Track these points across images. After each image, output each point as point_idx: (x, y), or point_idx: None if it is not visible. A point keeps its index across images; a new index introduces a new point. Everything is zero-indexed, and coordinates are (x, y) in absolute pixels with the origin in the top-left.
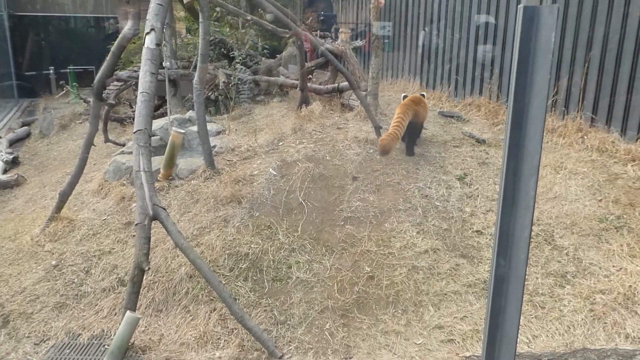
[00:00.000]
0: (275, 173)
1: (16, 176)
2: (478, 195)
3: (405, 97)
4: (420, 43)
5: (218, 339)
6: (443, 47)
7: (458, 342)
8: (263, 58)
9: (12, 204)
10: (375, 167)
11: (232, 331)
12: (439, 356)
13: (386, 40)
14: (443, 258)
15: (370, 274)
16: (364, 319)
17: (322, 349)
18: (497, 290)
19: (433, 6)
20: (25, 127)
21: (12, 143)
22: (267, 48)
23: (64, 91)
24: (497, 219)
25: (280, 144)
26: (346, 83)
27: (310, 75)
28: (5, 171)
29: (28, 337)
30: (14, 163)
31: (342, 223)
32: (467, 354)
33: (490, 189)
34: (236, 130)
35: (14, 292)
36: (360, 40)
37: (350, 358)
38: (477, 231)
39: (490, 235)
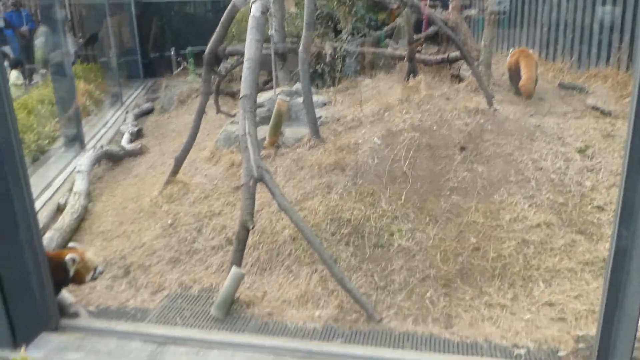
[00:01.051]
0: (379, 142)
1: (140, 146)
2: (601, 169)
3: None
4: (539, 10)
5: (318, 299)
6: (565, 13)
7: (570, 321)
8: (370, 30)
9: (136, 170)
10: (486, 137)
11: (332, 292)
12: (548, 334)
13: (503, 16)
14: (557, 233)
15: (476, 246)
16: (467, 290)
17: (422, 317)
18: (617, 263)
19: None
20: (149, 103)
21: (137, 117)
22: (374, 20)
23: (181, 68)
24: (621, 186)
25: (386, 114)
26: (456, 53)
27: (419, 47)
28: (131, 141)
29: (146, 286)
30: (138, 134)
31: (448, 193)
32: (580, 333)
33: (616, 162)
34: (342, 101)
35: (134, 247)
36: (473, 9)
37: (451, 327)
38: (597, 207)
39: (613, 212)
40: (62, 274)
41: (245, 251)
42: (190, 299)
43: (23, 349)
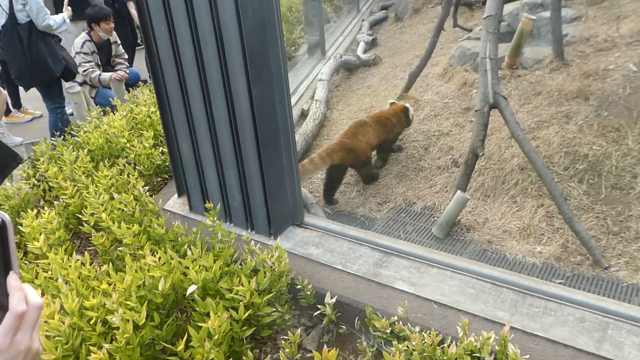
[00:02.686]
0: (635, 69)
1: (374, 56)
2: None
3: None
4: None
5: (541, 234)
6: None
7: None
8: None
9: (369, 81)
10: None
11: (557, 230)
12: None
13: None
14: None
15: None
16: None
17: None
18: None
19: None
20: (384, 11)
21: (372, 25)
22: None
23: None
24: None
25: None
26: None
27: None
28: (365, 51)
29: (374, 197)
30: (372, 44)
31: None
32: None
33: None
34: (594, 17)
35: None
36: None
37: None
38: None
39: None
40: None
41: None
42: (413, 214)
43: (278, 239)
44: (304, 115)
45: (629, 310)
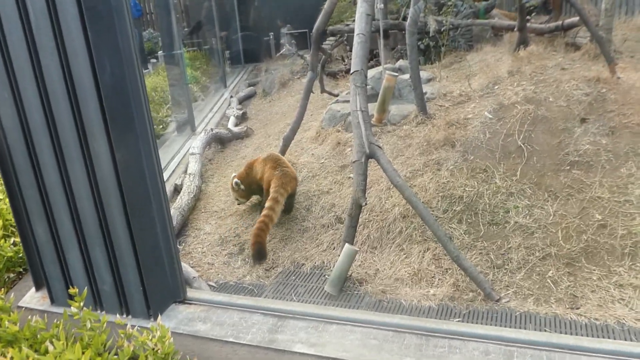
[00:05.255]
0: (491, 116)
1: (245, 128)
2: None
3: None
4: None
5: (432, 277)
6: None
7: None
8: (475, 2)
9: (243, 152)
10: (610, 107)
11: (447, 271)
12: None
13: None
14: None
15: (602, 223)
16: (594, 270)
17: (544, 297)
18: None
19: None
20: (251, 87)
21: (241, 101)
22: None
23: (282, 51)
24: None
25: (496, 87)
26: (571, 20)
27: (528, 16)
28: (236, 124)
29: (260, 263)
30: (243, 117)
31: (568, 168)
32: None
33: None
34: (447, 77)
35: (247, 225)
36: None
37: (577, 308)
38: None
39: None
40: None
41: None
42: (303, 276)
43: (159, 319)
44: (177, 190)
45: (528, 336)
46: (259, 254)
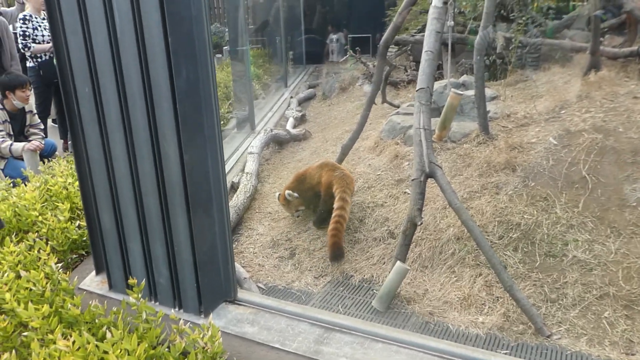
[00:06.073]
0: (555, 142)
1: (304, 131)
2: None
3: None
4: None
5: (482, 304)
6: None
7: None
8: (547, 20)
9: (300, 155)
10: None
11: (497, 299)
12: None
13: None
14: None
15: None
16: None
17: (598, 338)
18: None
19: None
20: (311, 89)
21: (301, 102)
22: (552, 8)
23: (347, 56)
24: None
25: (562, 112)
26: None
27: (601, 38)
28: (295, 126)
29: (309, 270)
30: (302, 119)
31: (634, 204)
32: None
33: None
34: (512, 96)
35: (299, 230)
36: None
37: (633, 354)
38: None
39: None
40: None
41: None
42: (351, 288)
43: (210, 317)
44: (234, 188)
45: None
46: (337, 255)
